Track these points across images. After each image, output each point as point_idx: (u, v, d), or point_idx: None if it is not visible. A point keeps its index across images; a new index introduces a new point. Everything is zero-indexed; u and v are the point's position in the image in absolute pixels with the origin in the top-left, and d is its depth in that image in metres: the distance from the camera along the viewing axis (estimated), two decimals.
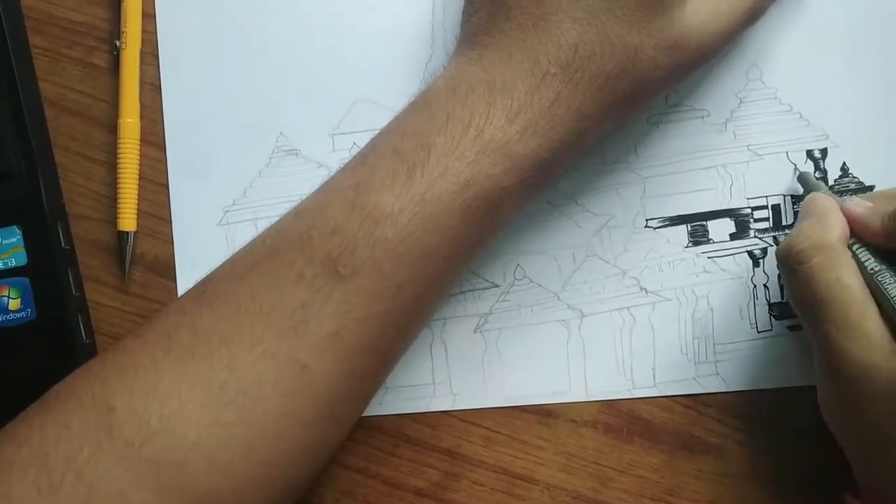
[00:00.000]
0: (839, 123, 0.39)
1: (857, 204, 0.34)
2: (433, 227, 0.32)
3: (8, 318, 0.39)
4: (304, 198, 0.34)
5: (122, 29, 0.40)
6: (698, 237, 0.39)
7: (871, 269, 0.32)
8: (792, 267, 0.33)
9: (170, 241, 0.40)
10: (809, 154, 0.39)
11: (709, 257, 0.39)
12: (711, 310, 0.39)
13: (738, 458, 0.39)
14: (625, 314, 0.39)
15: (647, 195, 0.39)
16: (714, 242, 0.39)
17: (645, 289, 0.39)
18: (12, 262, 0.39)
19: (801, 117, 0.39)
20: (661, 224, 0.39)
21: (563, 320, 0.39)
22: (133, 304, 0.41)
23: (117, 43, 0.40)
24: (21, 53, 0.40)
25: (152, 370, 0.31)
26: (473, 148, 0.32)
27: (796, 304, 0.33)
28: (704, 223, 0.39)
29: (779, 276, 0.39)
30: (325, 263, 0.31)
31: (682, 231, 0.39)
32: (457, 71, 0.34)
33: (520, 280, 0.40)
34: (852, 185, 0.39)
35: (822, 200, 0.35)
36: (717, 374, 0.39)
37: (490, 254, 0.40)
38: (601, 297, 0.39)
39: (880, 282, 0.31)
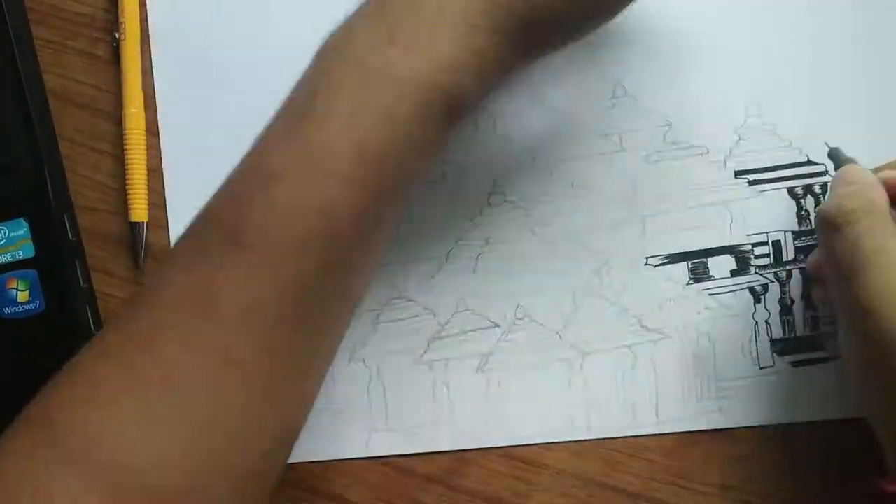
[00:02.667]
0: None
1: (893, 174, 0.33)
2: (323, 175, 0.29)
3: (17, 310, 0.39)
4: None
5: (120, 20, 0.40)
6: (699, 274, 0.39)
7: None
8: (838, 226, 0.32)
9: None
10: (809, 189, 0.39)
11: (710, 294, 0.39)
12: (713, 346, 0.39)
13: (748, 441, 0.39)
14: (626, 352, 0.39)
15: (646, 233, 0.39)
16: (715, 279, 0.39)
17: (646, 327, 0.39)
18: (20, 255, 0.39)
19: (800, 152, 0.39)
20: (661, 262, 0.39)
21: (565, 359, 0.40)
22: None
23: (116, 34, 0.40)
24: (25, 45, 0.40)
25: (88, 379, 0.31)
26: (355, 79, 0.30)
27: (834, 265, 0.33)
28: (705, 260, 0.39)
29: (780, 312, 0.39)
30: (227, 234, 0.30)
31: (682, 268, 0.39)
32: (358, 9, 0.32)
33: (520, 320, 0.40)
34: None
35: (862, 171, 0.34)
36: (720, 410, 0.39)
37: (490, 294, 0.40)
38: (602, 336, 0.39)
39: None
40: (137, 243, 0.40)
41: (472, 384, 0.40)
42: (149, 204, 0.41)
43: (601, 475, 0.39)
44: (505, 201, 0.40)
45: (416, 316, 0.40)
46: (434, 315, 0.40)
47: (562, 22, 0.32)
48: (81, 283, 0.40)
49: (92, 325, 0.40)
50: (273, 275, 0.30)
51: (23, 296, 0.39)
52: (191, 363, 0.30)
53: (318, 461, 0.40)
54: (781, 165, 0.39)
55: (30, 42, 0.41)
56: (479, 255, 0.40)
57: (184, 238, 0.32)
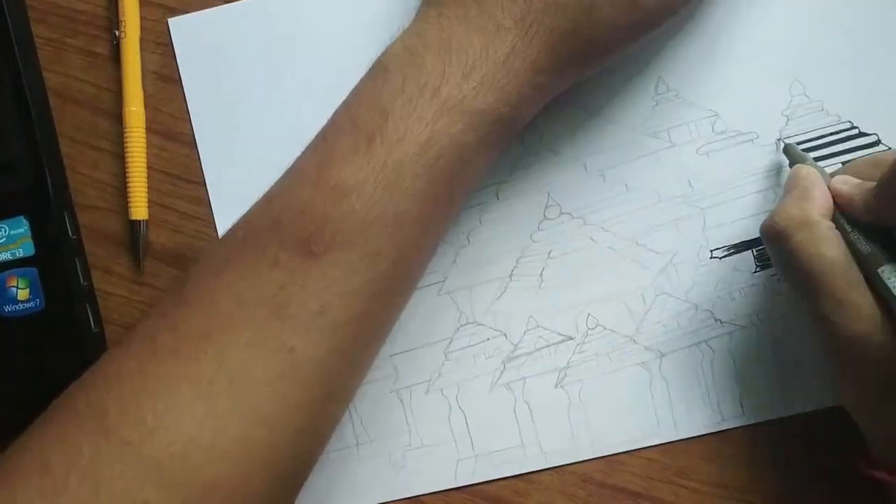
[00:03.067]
0: (892, 125, 0.38)
1: (843, 181, 0.33)
2: (398, 192, 0.32)
3: (17, 308, 0.39)
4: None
5: (120, 18, 0.40)
6: (766, 260, 0.39)
7: (856, 239, 0.32)
8: (776, 244, 0.33)
9: (178, 230, 0.41)
10: None
11: (779, 279, 0.39)
12: (790, 330, 0.39)
13: (748, 441, 0.39)
14: (703, 348, 0.39)
15: (707, 226, 0.39)
16: None
17: (720, 320, 0.39)
18: (20, 253, 0.39)
19: (851, 125, 0.39)
20: (726, 253, 0.39)
21: (643, 363, 0.39)
22: (141, 294, 0.41)
23: (116, 32, 0.40)
24: (25, 43, 0.40)
25: (139, 374, 0.31)
26: (430, 108, 0.32)
27: (785, 280, 0.34)
28: None
29: None
30: (298, 244, 0.31)
31: (748, 257, 0.39)
32: (414, 31, 0.34)
33: (593, 329, 0.39)
34: None
35: (805, 173, 0.34)
36: (805, 395, 0.39)
37: (559, 307, 0.39)
38: (677, 335, 0.39)
39: (865, 254, 0.31)
40: (137, 242, 0.40)
41: (553, 400, 0.39)
42: (149, 202, 0.41)
43: (601, 474, 0.39)
44: (562, 213, 0.39)
45: (488, 339, 0.40)
46: (505, 336, 0.40)
47: (614, 51, 0.34)
48: (81, 282, 0.40)
49: (92, 324, 0.40)
50: (345, 282, 0.32)
51: (23, 294, 0.39)
52: (255, 363, 0.31)
53: (407, 497, 0.40)
54: (833, 141, 0.39)
55: (30, 40, 0.41)
56: (543, 269, 0.40)
57: (237, 244, 0.33)
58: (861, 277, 0.31)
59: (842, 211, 0.33)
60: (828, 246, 0.31)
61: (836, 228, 0.32)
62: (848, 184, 0.33)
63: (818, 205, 0.33)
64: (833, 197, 0.33)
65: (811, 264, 0.31)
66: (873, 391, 0.32)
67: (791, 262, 0.32)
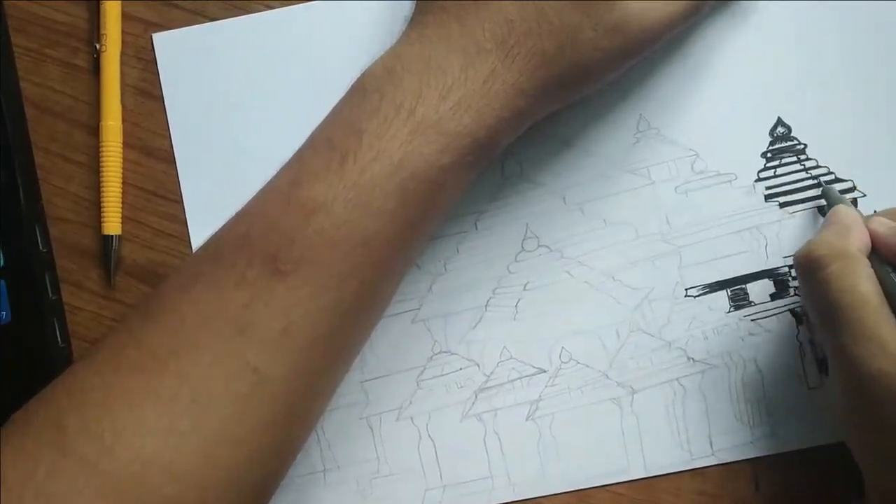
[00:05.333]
0: (868, 173, 0.39)
1: (881, 223, 0.34)
2: (369, 211, 0.31)
3: None
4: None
5: (102, 31, 0.40)
6: (739, 301, 0.39)
7: (887, 277, 0.32)
8: (810, 272, 0.33)
9: (150, 247, 0.40)
10: None
11: (752, 320, 0.39)
12: (760, 372, 0.39)
13: (717, 478, 0.39)
14: (675, 385, 0.39)
15: (683, 264, 0.39)
16: (756, 304, 0.39)
17: (692, 358, 0.39)
18: None
19: (828, 170, 0.39)
20: (701, 292, 0.39)
21: (615, 398, 0.39)
22: (111, 309, 0.40)
23: (97, 45, 0.40)
24: (3, 52, 0.40)
25: (101, 388, 0.31)
26: (405, 128, 0.31)
27: (812, 311, 0.34)
28: (744, 286, 0.39)
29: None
30: (265, 262, 0.31)
31: (722, 296, 0.39)
32: (394, 52, 0.33)
33: (566, 363, 0.39)
34: None
35: (846, 212, 0.35)
36: (774, 435, 0.39)
37: (533, 339, 0.39)
38: (650, 372, 0.39)
39: None
40: (109, 257, 0.40)
41: (524, 433, 0.39)
42: (122, 217, 0.40)
43: None
44: (539, 245, 0.39)
45: (461, 369, 0.39)
46: (478, 366, 0.39)
47: (596, 76, 0.34)
48: (50, 295, 0.39)
49: (59, 338, 0.39)
50: (311, 301, 0.31)
51: None
52: (219, 381, 0.31)
53: None
54: (810, 185, 0.39)
55: (8, 49, 0.40)
56: (519, 301, 0.39)
57: (206, 260, 0.32)
58: (892, 317, 0.31)
59: (876, 251, 0.33)
60: (863, 280, 0.32)
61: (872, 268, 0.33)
62: (884, 225, 0.34)
63: (858, 241, 0.33)
64: (870, 236, 0.34)
65: (844, 296, 0.31)
66: (887, 432, 0.31)
67: (823, 292, 0.32)
